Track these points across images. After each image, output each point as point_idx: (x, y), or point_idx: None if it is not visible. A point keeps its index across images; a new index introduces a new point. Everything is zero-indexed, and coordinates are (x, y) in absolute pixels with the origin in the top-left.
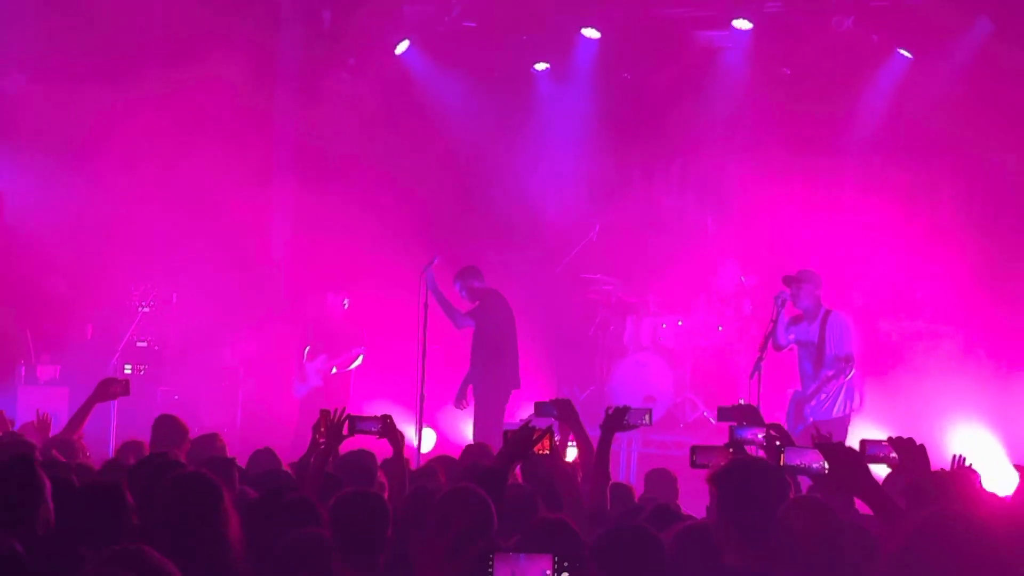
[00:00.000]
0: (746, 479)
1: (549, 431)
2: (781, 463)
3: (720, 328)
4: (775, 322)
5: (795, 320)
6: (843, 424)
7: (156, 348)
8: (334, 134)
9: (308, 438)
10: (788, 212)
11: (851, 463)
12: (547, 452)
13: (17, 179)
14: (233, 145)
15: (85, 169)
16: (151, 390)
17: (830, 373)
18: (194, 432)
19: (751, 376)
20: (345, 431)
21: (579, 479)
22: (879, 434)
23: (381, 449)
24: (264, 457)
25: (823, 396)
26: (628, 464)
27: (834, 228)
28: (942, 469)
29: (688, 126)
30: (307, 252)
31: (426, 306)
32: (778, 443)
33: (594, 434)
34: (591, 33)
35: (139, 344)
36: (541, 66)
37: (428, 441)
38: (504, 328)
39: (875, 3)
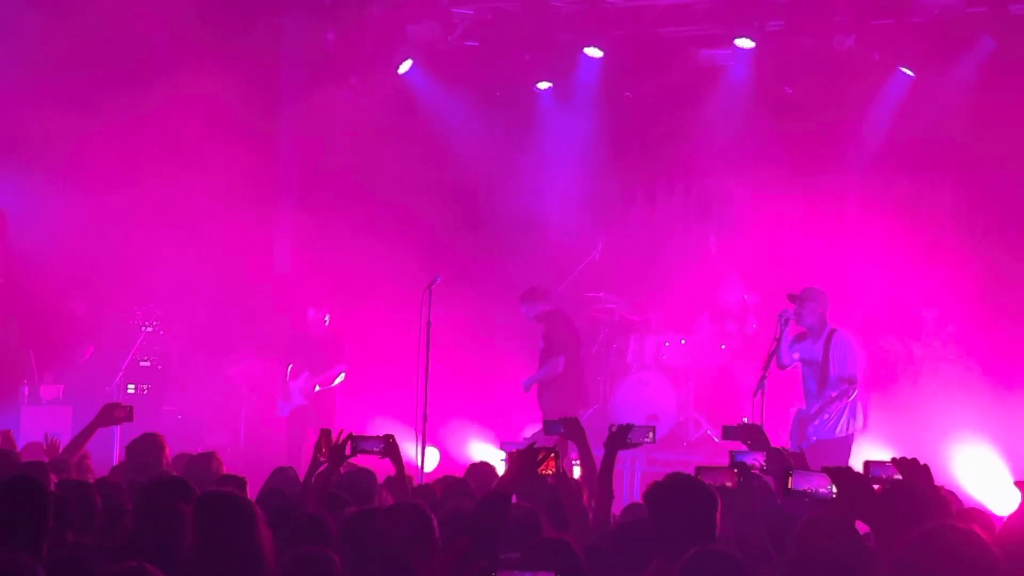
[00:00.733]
0: (675, 494)
1: (553, 451)
2: (789, 487)
3: (723, 346)
4: (778, 340)
5: (799, 338)
6: (846, 444)
7: (159, 367)
8: (337, 153)
9: (299, 457)
10: (791, 230)
11: (859, 487)
12: (551, 472)
13: (20, 198)
14: (236, 164)
15: (88, 189)
16: (154, 409)
17: (833, 394)
18: (198, 452)
19: (754, 394)
20: (348, 451)
21: (584, 497)
22: (881, 452)
23: (383, 468)
24: (281, 476)
25: (826, 416)
26: (631, 483)
27: (836, 246)
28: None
29: (690, 144)
30: (309, 270)
31: (428, 324)
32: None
33: (598, 452)
34: (593, 52)
35: (142, 364)
36: (544, 85)
37: (431, 460)
38: (572, 350)
39: (877, 21)
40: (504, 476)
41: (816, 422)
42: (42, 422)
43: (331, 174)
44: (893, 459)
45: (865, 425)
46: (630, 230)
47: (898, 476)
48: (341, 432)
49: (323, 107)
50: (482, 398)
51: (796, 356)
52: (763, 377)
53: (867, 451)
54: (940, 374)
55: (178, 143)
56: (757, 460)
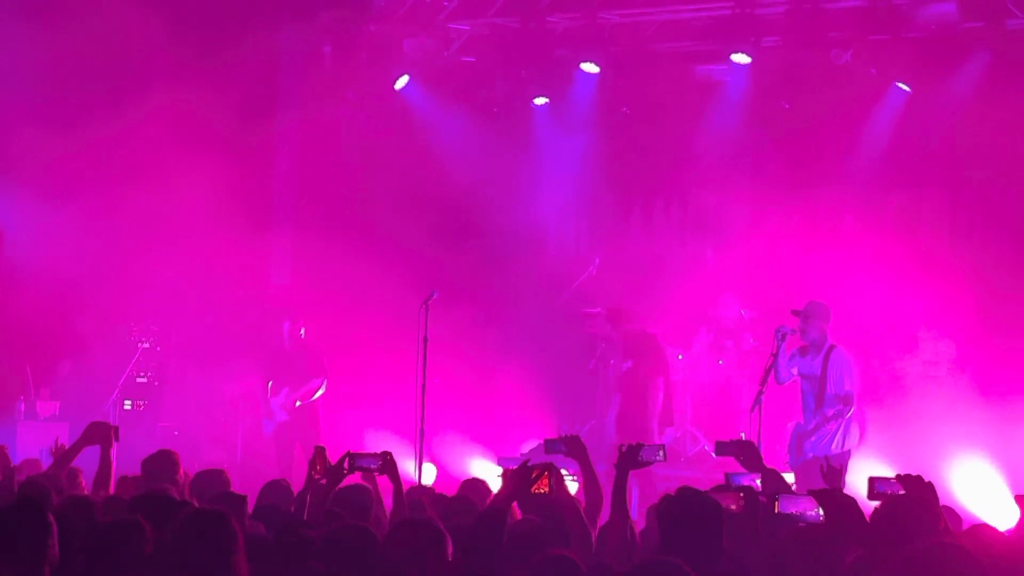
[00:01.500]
0: (685, 508)
1: (548, 468)
2: (776, 511)
3: (720, 362)
4: (776, 356)
5: (800, 352)
6: (842, 460)
7: (156, 384)
8: (334, 168)
9: (289, 474)
10: (788, 245)
11: (846, 509)
12: (545, 491)
13: (17, 216)
14: (233, 179)
15: (84, 205)
16: (151, 425)
17: (830, 413)
18: (194, 467)
19: (752, 410)
20: (345, 467)
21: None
22: (878, 468)
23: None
24: (274, 489)
25: (823, 432)
26: (629, 499)
27: (833, 261)
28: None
29: (687, 159)
30: (306, 286)
31: (425, 340)
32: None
33: (601, 470)
34: (590, 68)
35: (139, 380)
36: (540, 101)
37: (428, 475)
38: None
39: (873, 37)
40: (499, 494)
41: (813, 438)
42: (38, 438)
43: (328, 189)
44: (898, 476)
45: (861, 441)
46: (627, 245)
47: (902, 492)
48: (324, 452)
49: (320, 122)
50: (479, 414)
51: (794, 371)
52: (760, 392)
53: (864, 467)
54: (936, 389)
55: (174, 159)
56: (753, 482)
